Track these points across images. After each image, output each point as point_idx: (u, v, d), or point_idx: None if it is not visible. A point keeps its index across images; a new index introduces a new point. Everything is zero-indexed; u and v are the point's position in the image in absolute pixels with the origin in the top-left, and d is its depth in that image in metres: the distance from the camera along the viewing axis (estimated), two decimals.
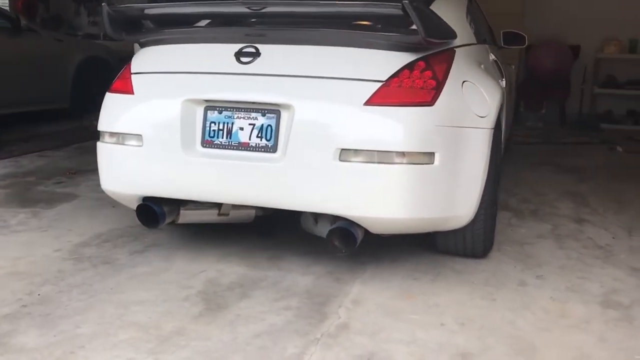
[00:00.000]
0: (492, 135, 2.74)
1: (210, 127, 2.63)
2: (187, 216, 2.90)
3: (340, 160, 2.45)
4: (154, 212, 2.74)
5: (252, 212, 2.98)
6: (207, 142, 2.64)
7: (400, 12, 2.40)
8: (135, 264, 2.95)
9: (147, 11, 2.78)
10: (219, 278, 2.79)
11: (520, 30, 4.70)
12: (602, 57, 7.83)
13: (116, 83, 2.87)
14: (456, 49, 2.82)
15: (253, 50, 2.62)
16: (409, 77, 2.49)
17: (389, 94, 2.45)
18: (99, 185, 4.37)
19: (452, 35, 2.73)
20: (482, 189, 2.71)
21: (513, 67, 5.30)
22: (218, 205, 2.92)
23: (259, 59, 2.60)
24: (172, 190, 2.71)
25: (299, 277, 2.81)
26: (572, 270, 2.97)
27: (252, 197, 2.62)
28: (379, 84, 2.46)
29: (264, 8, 2.60)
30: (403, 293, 2.67)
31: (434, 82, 2.52)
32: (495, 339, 2.29)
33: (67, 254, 3.07)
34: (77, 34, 10.01)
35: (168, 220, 2.83)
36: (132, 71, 2.82)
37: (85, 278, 2.78)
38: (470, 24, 3.36)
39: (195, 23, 3.16)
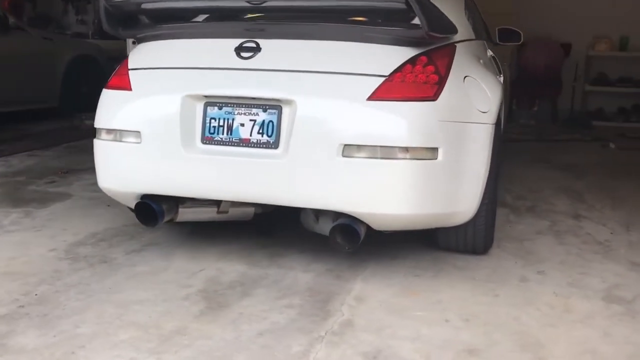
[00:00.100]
0: (493, 130, 2.73)
1: (210, 123, 2.60)
2: (185, 214, 2.86)
3: (343, 156, 2.43)
4: (153, 210, 2.70)
5: (251, 210, 2.95)
6: (207, 138, 2.60)
7: (403, 5, 2.38)
8: (133, 263, 2.91)
9: (144, 6, 2.74)
10: (219, 277, 2.75)
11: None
12: (593, 54, 7.86)
13: (113, 79, 2.83)
14: (457, 44, 2.80)
15: (253, 45, 2.59)
16: (411, 72, 2.47)
17: (392, 88, 2.43)
18: (91, 184, 4.41)
19: (454, 30, 2.72)
20: (484, 184, 2.70)
21: (505, 64, 5.30)
22: (217, 203, 2.88)
23: (259, 54, 2.57)
24: (171, 187, 2.67)
25: (299, 274, 2.78)
26: (572, 265, 2.96)
27: (253, 194, 2.59)
28: (382, 79, 2.44)
29: (264, 2, 2.57)
30: (405, 290, 2.65)
31: (436, 77, 2.50)
32: (500, 335, 2.27)
33: (63, 254, 3.02)
34: (66, 32, 9.91)
35: (167, 218, 2.79)
36: (129, 67, 2.78)
37: (82, 278, 2.73)
38: (468, 20, 3.35)
39: (193, 18, 3.12)
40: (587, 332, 2.31)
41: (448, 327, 2.33)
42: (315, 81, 2.50)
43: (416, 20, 2.68)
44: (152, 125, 2.65)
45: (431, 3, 2.52)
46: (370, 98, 2.42)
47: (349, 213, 2.50)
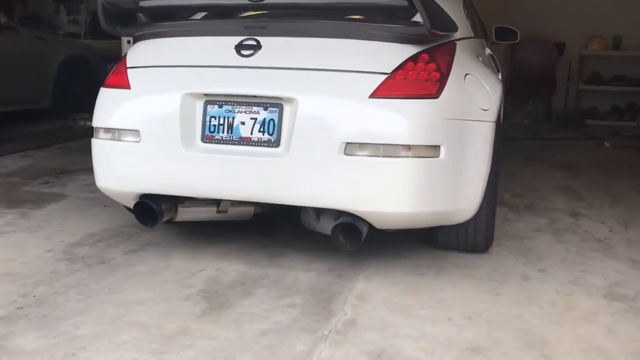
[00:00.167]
0: (494, 128, 2.72)
1: (210, 121, 2.57)
2: (185, 214, 2.84)
3: (346, 154, 2.41)
4: (152, 209, 2.68)
5: (251, 210, 2.92)
6: (208, 137, 2.58)
7: (405, 3, 2.37)
8: (132, 263, 2.88)
9: (142, 4, 2.71)
10: (219, 276, 2.73)
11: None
12: (587, 54, 7.89)
13: (111, 78, 2.80)
14: (456, 42, 2.80)
15: (254, 42, 2.56)
16: (413, 70, 2.46)
17: (395, 86, 2.42)
18: (86, 185, 4.38)
19: (454, 27, 2.71)
20: (486, 182, 2.69)
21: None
22: (216, 203, 2.86)
23: (260, 52, 2.55)
24: (171, 187, 2.65)
25: (300, 274, 2.76)
26: (573, 263, 2.96)
27: (254, 193, 2.57)
28: (384, 76, 2.42)
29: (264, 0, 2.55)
30: (408, 288, 2.63)
31: (438, 75, 2.49)
32: (504, 333, 2.26)
33: (60, 255, 2.99)
34: (57, 32, 9.85)
35: (166, 218, 2.76)
36: (127, 65, 2.75)
37: (81, 278, 2.70)
38: (467, 18, 3.34)
39: (192, 16, 3.09)
40: (591, 330, 2.31)
41: (451, 326, 2.32)
42: (316, 79, 2.49)
43: (416, 18, 2.68)
44: (152, 124, 2.62)
45: (433, 0, 2.51)
46: (372, 96, 2.41)
47: (351, 212, 2.49)
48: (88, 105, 7.13)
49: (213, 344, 2.15)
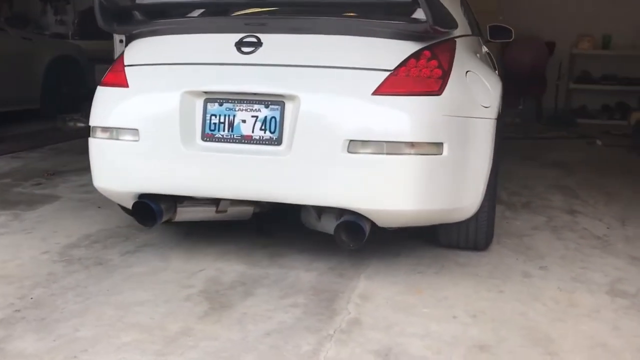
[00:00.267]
0: (495, 125, 2.71)
1: (210, 120, 2.54)
2: (184, 213, 2.81)
3: (349, 151, 2.39)
4: (151, 209, 2.64)
5: (250, 209, 2.90)
6: (208, 135, 2.55)
7: None
8: (129, 264, 2.84)
9: (139, 0, 2.67)
10: (219, 277, 2.70)
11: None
12: (577, 53, 7.94)
13: (108, 76, 2.75)
14: (456, 39, 2.78)
15: (254, 39, 2.54)
16: (415, 66, 2.44)
17: (397, 83, 2.40)
18: (79, 186, 4.33)
19: (455, 24, 2.70)
20: (487, 179, 2.68)
21: None
22: (215, 202, 2.83)
23: (261, 49, 2.52)
24: (171, 186, 2.61)
25: (301, 273, 2.74)
26: (573, 260, 2.97)
27: (256, 192, 2.54)
28: (387, 73, 2.41)
29: None
30: (410, 287, 2.62)
31: (440, 72, 2.47)
32: (509, 331, 2.26)
33: (56, 256, 2.94)
34: (44, 33, 9.75)
35: (165, 218, 2.73)
36: (125, 63, 2.71)
37: (79, 280, 2.66)
38: (464, 16, 3.34)
39: (189, 13, 3.06)
40: (595, 326, 2.30)
41: (456, 324, 2.31)
42: (318, 76, 2.46)
43: (416, 15, 2.67)
44: (151, 122, 2.58)
45: None
46: (375, 93, 2.39)
47: (354, 210, 2.46)
48: (77, 106, 7.11)
49: (216, 345, 2.12)
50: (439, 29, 2.47)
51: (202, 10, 3.06)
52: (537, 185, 4.44)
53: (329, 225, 2.65)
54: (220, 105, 2.54)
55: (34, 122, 6.88)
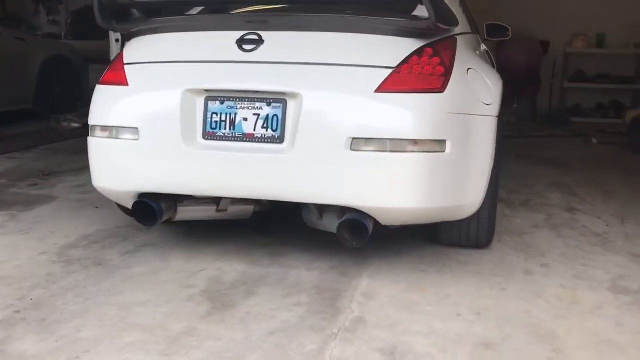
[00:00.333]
0: (497, 123, 2.71)
1: (212, 118, 2.52)
2: (184, 213, 2.79)
3: (352, 149, 2.38)
4: (152, 209, 2.62)
5: (251, 208, 2.88)
6: (209, 134, 2.53)
7: None
8: (129, 264, 2.82)
9: None
10: (220, 276, 2.68)
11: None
12: (571, 52, 7.96)
13: (107, 74, 2.73)
14: (457, 37, 2.78)
15: (256, 37, 2.52)
16: (418, 64, 2.43)
17: (400, 80, 2.39)
18: (76, 186, 4.29)
19: (456, 22, 2.69)
20: (489, 177, 2.68)
21: None
22: (216, 202, 2.81)
23: (262, 47, 2.50)
24: (171, 185, 2.59)
25: (303, 272, 2.72)
26: (574, 258, 2.96)
27: (258, 190, 2.52)
28: (390, 71, 2.40)
29: None
30: (412, 286, 2.61)
31: (442, 69, 2.47)
32: (514, 328, 2.25)
33: (55, 257, 2.91)
34: (36, 33, 9.68)
35: (165, 217, 2.70)
36: (125, 62, 2.68)
37: (78, 281, 2.63)
38: (463, 13, 3.33)
39: (188, 11, 3.03)
40: (599, 323, 2.30)
41: (460, 322, 2.30)
42: (321, 74, 2.45)
43: (416, 12, 2.66)
44: (151, 121, 2.56)
45: None
46: (378, 90, 2.38)
47: (357, 208, 2.45)
48: (71, 107, 7.05)
49: (220, 345, 2.11)
50: (441, 26, 2.47)
51: (201, 8, 3.04)
52: (535, 184, 4.44)
53: (331, 224, 2.64)
54: (222, 103, 2.52)
55: (28, 122, 6.83)
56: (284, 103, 2.46)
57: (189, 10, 3.06)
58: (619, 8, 7.55)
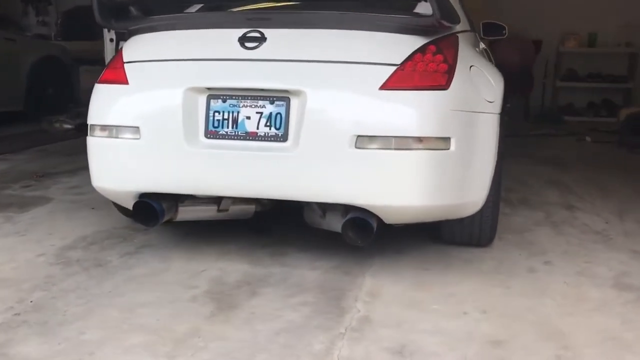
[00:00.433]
0: (499, 120, 2.70)
1: (214, 116, 2.49)
2: (185, 213, 2.76)
3: (356, 147, 2.36)
4: (153, 209, 2.58)
5: (252, 208, 2.86)
6: (211, 132, 2.50)
7: None
8: (130, 265, 2.78)
9: None
10: (222, 276, 2.65)
11: None
12: (563, 51, 8.00)
13: (106, 73, 2.69)
14: (458, 34, 2.77)
15: (258, 34, 2.49)
16: (422, 61, 2.42)
17: (404, 77, 2.38)
18: (71, 187, 4.25)
19: (458, 19, 2.68)
20: (492, 174, 2.67)
21: None
22: (217, 201, 2.78)
23: (265, 44, 2.48)
24: (173, 184, 2.56)
25: (306, 272, 2.70)
26: (576, 255, 2.96)
27: (261, 189, 2.49)
28: (394, 68, 2.38)
29: None
30: (416, 284, 2.60)
31: (445, 66, 2.45)
32: (520, 325, 2.24)
33: (53, 258, 2.87)
34: (25, 34, 9.59)
35: (166, 217, 2.67)
36: (124, 60, 2.64)
37: (79, 282, 2.59)
38: (462, 11, 3.32)
39: (188, 8, 3.00)
40: (605, 320, 2.30)
41: (467, 320, 2.29)
42: (324, 71, 2.43)
43: (418, 9, 2.65)
44: (152, 120, 2.53)
45: None
46: (382, 87, 2.36)
47: (362, 206, 2.43)
48: (62, 108, 6.98)
49: (227, 345, 2.08)
50: (445, 23, 2.45)
51: (200, 6, 3.01)
52: (533, 182, 4.45)
53: (334, 223, 2.62)
54: (224, 101, 2.49)
55: (18, 124, 6.75)
56: (287, 101, 2.44)
57: (188, 8, 3.02)
58: (611, 8, 7.61)
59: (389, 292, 2.51)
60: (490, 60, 3.60)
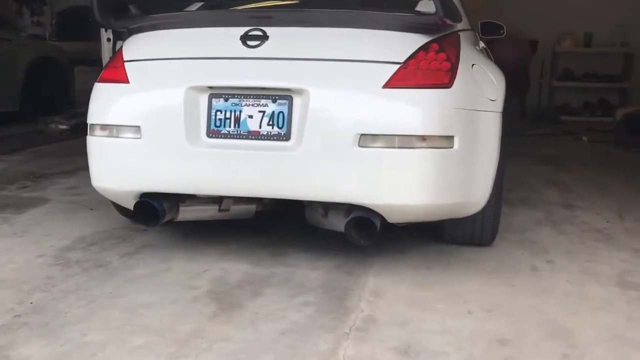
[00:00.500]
0: (501, 119, 2.70)
1: (216, 115, 2.47)
2: (186, 213, 2.73)
3: (360, 146, 2.34)
4: (154, 209, 2.56)
5: (253, 208, 2.84)
6: (213, 131, 2.48)
7: None
8: (130, 266, 2.76)
9: None
10: (224, 277, 2.63)
11: None
12: (559, 51, 8.02)
13: (106, 72, 2.67)
14: (460, 33, 2.76)
15: (260, 33, 2.47)
16: (424, 59, 2.41)
17: (408, 76, 2.36)
18: (68, 188, 4.22)
19: (460, 18, 2.68)
20: (495, 173, 2.66)
21: None
22: (218, 201, 2.76)
23: (267, 42, 2.46)
24: (175, 184, 2.54)
25: (308, 272, 2.68)
26: (579, 253, 2.96)
27: (264, 188, 2.48)
28: (397, 66, 2.37)
29: None
30: (419, 283, 2.58)
31: (448, 64, 2.44)
32: (526, 324, 2.23)
33: (52, 259, 2.84)
34: (20, 35, 9.54)
35: (167, 217, 2.65)
36: (125, 59, 2.62)
37: (79, 283, 2.57)
38: (462, 10, 3.31)
39: (188, 7, 2.98)
40: (610, 318, 2.29)
41: (473, 319, 2.28)
42: (327, 69, 2.41)
43: (419, 7, 2.64)
44: (153, 119, 2.50)
45: None
46: (385, 86, 2.35)
47: (365, 205, 2.42)
48: (58, 108, 6.93)
49: (231, 346, 2.06)
50: (448, 21, 2.45)
51: (200, 4, 2.99)
52: (532, 181, 4.45)
53: (336, 222, 2.61)
54: (226, 100, 2.47)
55: (14, 125, 6.70)
56: (290, 99, 2.42)
57: (188, 6, 3.00)
58: (606, 7, 7.62)
59: (392, 292, 2.49)
60: (490, 59, 3.59)
